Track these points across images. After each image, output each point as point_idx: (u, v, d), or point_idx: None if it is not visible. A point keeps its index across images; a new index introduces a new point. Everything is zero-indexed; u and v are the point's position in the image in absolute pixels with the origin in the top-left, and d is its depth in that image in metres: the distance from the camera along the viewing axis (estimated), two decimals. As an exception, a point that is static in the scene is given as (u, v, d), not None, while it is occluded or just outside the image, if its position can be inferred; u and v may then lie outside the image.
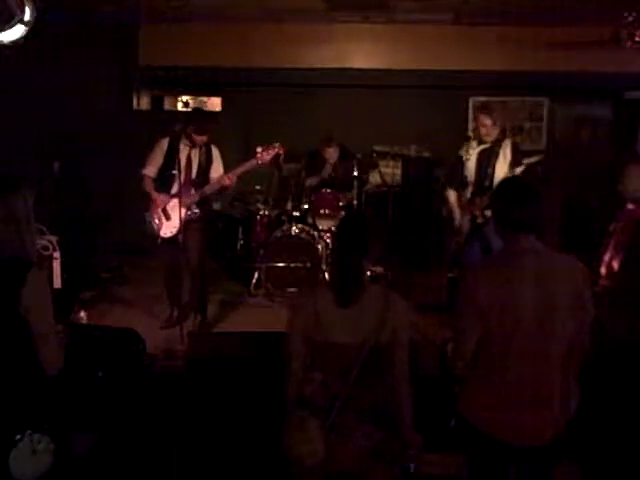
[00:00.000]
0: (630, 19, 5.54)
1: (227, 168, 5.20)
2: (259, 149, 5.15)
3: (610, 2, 5.75)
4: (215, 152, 5.24)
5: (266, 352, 3.95)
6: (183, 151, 5.10)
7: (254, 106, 7.77)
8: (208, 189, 5.10)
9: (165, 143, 5.15)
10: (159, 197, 5.13)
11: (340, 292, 2.41)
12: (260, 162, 5.17)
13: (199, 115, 5.37)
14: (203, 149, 5.16)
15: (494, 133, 5.12)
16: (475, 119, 5.18)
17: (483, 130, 5.09)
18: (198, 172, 5.14)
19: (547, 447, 2.43)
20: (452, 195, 5.37)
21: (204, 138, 5.11)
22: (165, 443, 3.76)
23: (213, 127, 5.22)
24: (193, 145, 5.11)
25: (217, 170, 5.19)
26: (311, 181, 6.70)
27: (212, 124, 5.20)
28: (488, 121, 5.07)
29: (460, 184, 5.30)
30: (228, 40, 7.44)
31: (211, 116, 5.47)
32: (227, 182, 5.08)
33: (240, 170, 5.13)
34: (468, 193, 5.23)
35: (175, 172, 4.93)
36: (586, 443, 3.49)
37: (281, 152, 5.23)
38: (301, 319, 2.46)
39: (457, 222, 5.32)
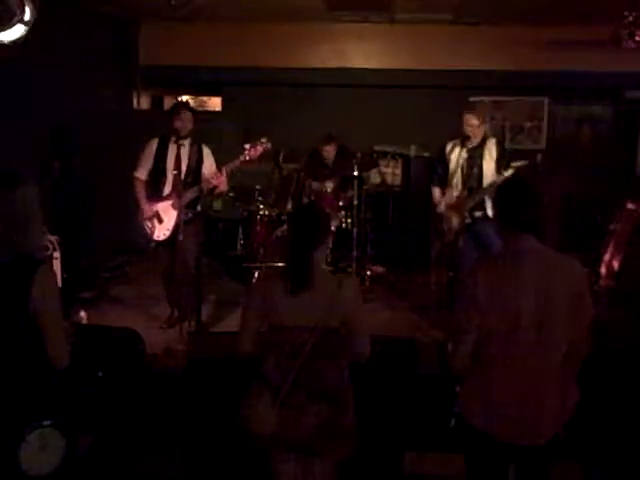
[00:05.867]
0: (630, 19, 5.54)
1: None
2: (247, 146, 5.08)
3: (610, 2, 5.75)
4: (206, 150, 5.16)
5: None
6: (172, 151, 5.04)
7: (254, 106, 7.77)
8: (199, 189, 5.01)
9: (154, 144, 5.10)
10: (146, 206, 5.07)
11: (291, 281, 2.57)
12: (248, 159, 5.07)
13: (177, 106, 5.31)
14: (194, 148, 5.08)
15: (480, 133, 5.06)
16: (460, 118, 5.10)
17: (469, 130, 5.01)
18: (188, 172, 5.04)
19: (546, 446, 2.43)
20: (436, 191, 5.32)
21: (187, 125, 5.00)
22: (165, 442, 3.76)
23: (195, 117, 5.12)
24: (181, 142, 4.98)
25: (209, 169, 5.11)
26: (315, 186, 6.65)
27: (191, 113, 5.12)
28: (475, 121, 5.00)
29: (442, 182, 5.25)
30: (228, 40, 7.44)
31: (189, 106, 5.40)
32: (217, 181, 5.00)
33: (229, 168, 5.05)
34: (454, 193, 5.17)
35: (168, 173, 4.90)
36: (586, 442, 3.50)
37: (269, 148, 5.18)
38: (257, 301, 2.64)
39: (445, 222, 5.24)
